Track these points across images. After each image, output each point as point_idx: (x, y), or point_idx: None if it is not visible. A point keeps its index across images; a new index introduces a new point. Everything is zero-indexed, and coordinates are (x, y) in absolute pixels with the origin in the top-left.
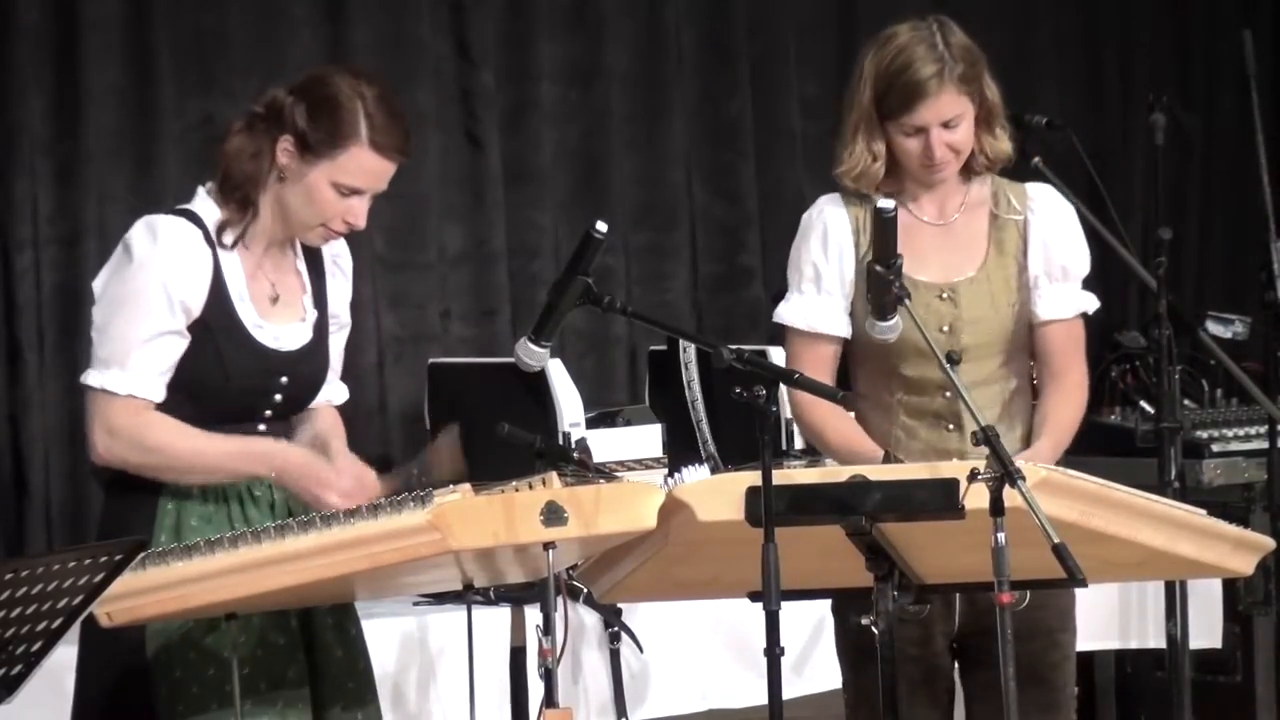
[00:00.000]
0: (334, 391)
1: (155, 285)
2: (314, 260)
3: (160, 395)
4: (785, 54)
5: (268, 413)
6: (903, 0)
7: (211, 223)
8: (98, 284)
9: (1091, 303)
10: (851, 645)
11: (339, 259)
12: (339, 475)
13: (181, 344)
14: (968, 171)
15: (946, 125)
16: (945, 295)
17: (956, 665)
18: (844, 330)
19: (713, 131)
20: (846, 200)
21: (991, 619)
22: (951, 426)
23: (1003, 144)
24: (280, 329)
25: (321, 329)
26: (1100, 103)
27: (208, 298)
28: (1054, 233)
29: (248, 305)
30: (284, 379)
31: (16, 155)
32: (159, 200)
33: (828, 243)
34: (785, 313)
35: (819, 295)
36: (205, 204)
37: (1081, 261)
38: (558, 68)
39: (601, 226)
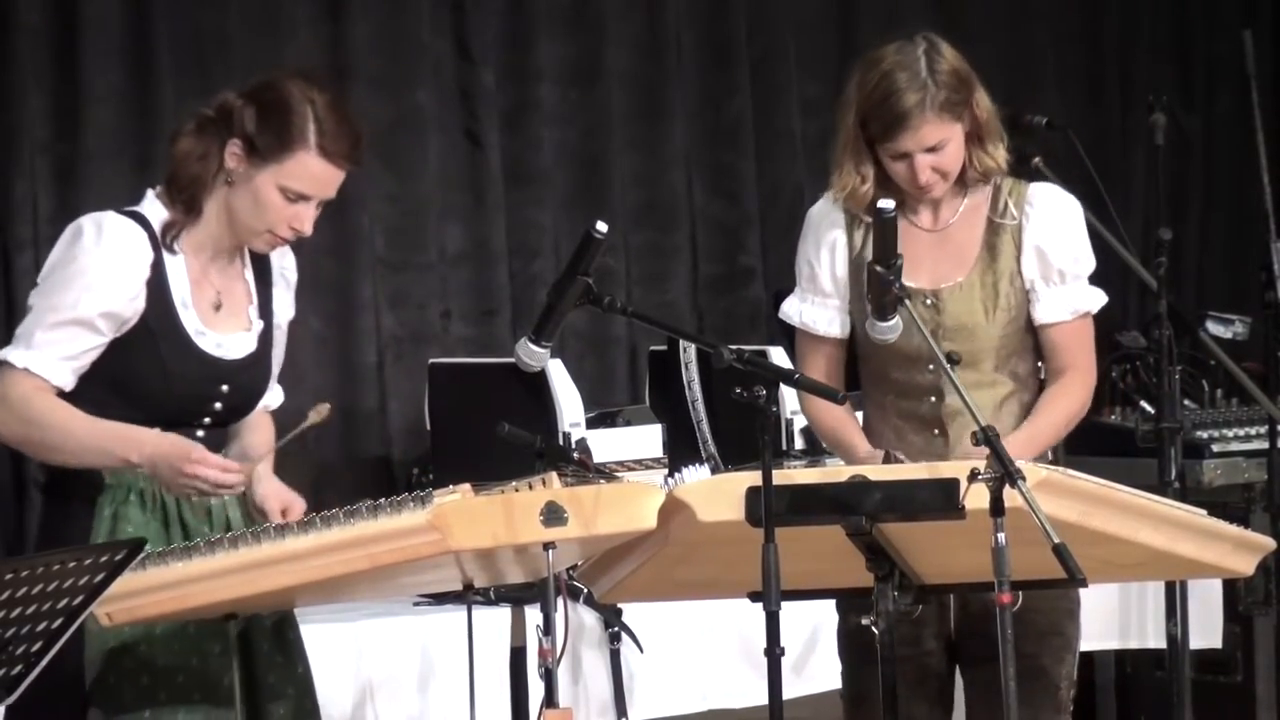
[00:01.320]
0: (270, 396)
1: (81, 278)
2: (262, 270)
3: (61, 381)
4: (785, 54)
5: (206, 420)
6: (902, 1)
7: (158, 225)
8: (43, 270)
9: (1095, 300)
10: (850, 643)
11: (286, 271)
12: (211, 456)
13: (92, 338)
14: (961, 183)
15: (931, 150)
16: (929, 302)
17: (957, 664)
18: (837, 330)
19: (713, 132)
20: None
21: (985, 619)
22: (937, 431)
23: (994, 158)
24: (223, 337)
25: (266, 340)
26: (1100, 103)
27: (149, 302)
28: (1049, 235)
29: (191, 311)
30: (225, 387)
31: (16, 155)
32: None
33: (820, 243)
34: (786, 309)
35: (814, 295)
36: (153, 206)
37: (1081, 261)
38: (558, 68)
39: (602, 227)
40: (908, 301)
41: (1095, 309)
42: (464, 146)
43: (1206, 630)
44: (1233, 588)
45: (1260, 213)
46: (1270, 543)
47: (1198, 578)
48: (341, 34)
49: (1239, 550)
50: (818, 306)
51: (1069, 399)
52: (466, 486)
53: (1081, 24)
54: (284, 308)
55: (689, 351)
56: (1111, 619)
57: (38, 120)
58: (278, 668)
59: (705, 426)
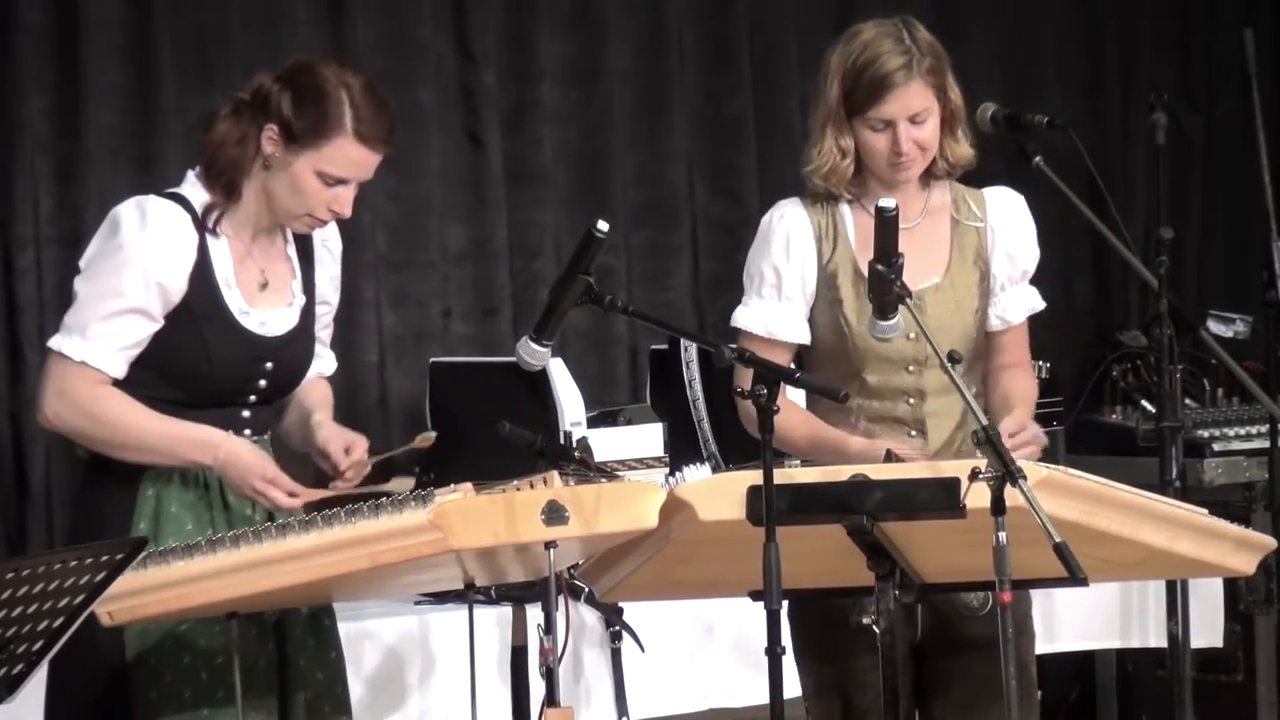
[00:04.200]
0: (323, 363)
1: (132, 264)
2: (304, 245)
3: (118, 371)
4: (786, 53)
5: (251, 398)
6: (903, 0)
7: (199, 206)
8: (84, 256)
9: (1037, 301)
10: (802, 640)
11: (328, 242)
12: (283, 479)
13: (148, 325)
14: (927, 177)
15: (914, 120)
16: (910, 302)
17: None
18: (804, 337)
19: (714, 130)
20: (808, 204)
21: (952, 627)
22: (914, 433)
23: (964, 148)
24: (267, 314)
25: (308, 314)
26: (1101, 102)
27: (192, 283)
28: (1014, 238)
29: (234, 291)
30: (269, 365)
31: (18, 154)
32: None
33: (790, 248)
34: (743, 317)
35: (779, 301)
36: (194, 188)
37: (1034, 260)
38: (559, 66)
39: (603, 225)
40: (909, 300)
41: (1038, 309)
42: (465, 145)
43: (1207, 629)
44: (1234, 587)
45: (1261, 212)
46: (1271, 542)
47: (1199, 577)
48: (342, 33)
49: (1240, 549)
50: (783, 312)
51: (1029, 386)
52: (468, 485)
53: (1082, 23)
54: (329, 281)
55: (690, 350)
56: (1112, 618)
57: (39, 119)
58: (309, 652)
59: (706, 425)
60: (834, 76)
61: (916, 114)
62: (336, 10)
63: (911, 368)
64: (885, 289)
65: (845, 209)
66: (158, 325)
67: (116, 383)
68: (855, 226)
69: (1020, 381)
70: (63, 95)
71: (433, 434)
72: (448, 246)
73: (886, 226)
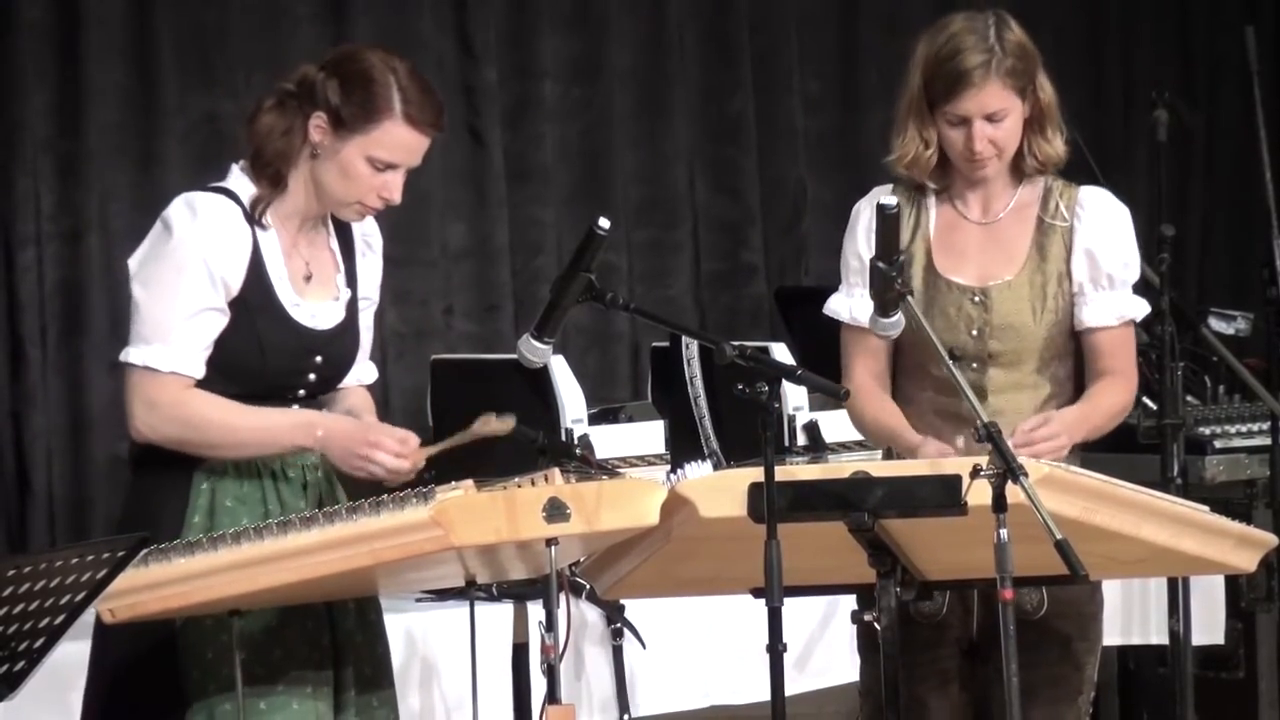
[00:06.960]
0: (363, 371)
1: (196, 261)
2: (345, 239)
3: (201, 372)
4: (788, 50)
5: (301, 392)
6: None
7: (247, 200)
8: (134, 261)
9: (1140, 309)
10: (865, 637)
11: (369, 238)
12: (386, 434)
13: (222, 320)
14: (1018, 173)
15: (990, 118)
16: (977, 299)
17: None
18: None
19: (715, 128)
20: (896, 192)
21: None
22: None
23: (1053, 147)
24: (315, 307)
25: (353, 308)
26: (1103, 100)
27: (246, 275)
28: (1100, 239)
29: (285, 283)
30: (318, 358)
31: (19, 152)
32: (161, 197)
33: (871, 235)
34: (834, 305)
35: (864, 289)
36: (240, 181)
37: (1130, 267)
38: (560, 64)
39: (604, 223)
40: (910, 298)
41: (1139, 317)
42: (467, 143)
43: (1209, 626)
44: (1235, 584)
45: (1262, 209)
46: (1272, 539)
47: (1200, 574)
48: (343, 31)
49: (1241, 546)
50: (867, 301)
51: (1117, 394)
52: (469, 482)
53: (1084, 21)
54: (370, 275)
55: (691, 348)
56: (1114, 615)
57: (40, 117)
58: (357, 646)
59: (707, 423)
60: (918, 66)
61: (993, 113)
62: (337, 8)
63: (975, 365)
64: (886, 286)
65: (931, 200)
66: (226, 319)
67: None
68: (937, 220)
69: (1103, 392)
70: (63, 93)
71: (511, 418)
72: (449, 244)
73: (887, 224)
